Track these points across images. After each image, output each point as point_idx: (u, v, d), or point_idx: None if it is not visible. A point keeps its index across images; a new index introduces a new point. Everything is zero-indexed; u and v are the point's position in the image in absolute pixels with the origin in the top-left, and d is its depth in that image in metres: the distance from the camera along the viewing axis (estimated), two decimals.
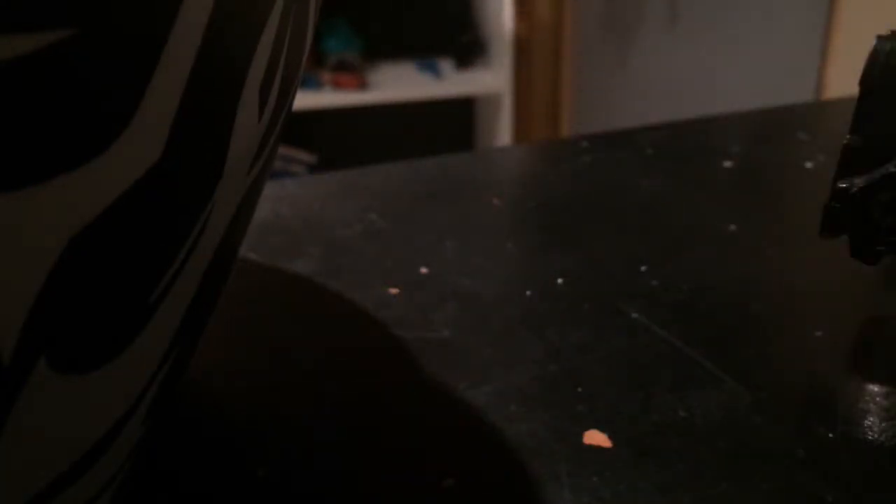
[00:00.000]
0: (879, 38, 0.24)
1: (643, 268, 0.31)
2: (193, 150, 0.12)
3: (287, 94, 0.16)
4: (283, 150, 1.90)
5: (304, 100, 1.71)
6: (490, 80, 1.90)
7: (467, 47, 1.95)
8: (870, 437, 0.21)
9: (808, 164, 0.42)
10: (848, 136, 0.24)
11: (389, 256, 0.32)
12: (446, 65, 1.95)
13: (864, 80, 0.24)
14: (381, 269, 0.31)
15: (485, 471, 0.20)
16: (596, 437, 0.21)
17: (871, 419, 0.22)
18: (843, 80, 1.35)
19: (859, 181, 0.24)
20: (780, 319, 0.27)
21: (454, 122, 2.08)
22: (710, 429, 0.21)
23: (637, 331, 0.26)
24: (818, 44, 1.36)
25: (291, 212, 0.37)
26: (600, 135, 0.48)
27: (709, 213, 0.36)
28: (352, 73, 1.80)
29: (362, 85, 1.80)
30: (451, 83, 1.87)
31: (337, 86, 1.78)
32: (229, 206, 0.15)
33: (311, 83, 1.76)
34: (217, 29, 0.11)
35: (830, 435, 0.21)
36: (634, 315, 0.27)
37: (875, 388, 0.23)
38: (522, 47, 2.01)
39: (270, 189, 0.40)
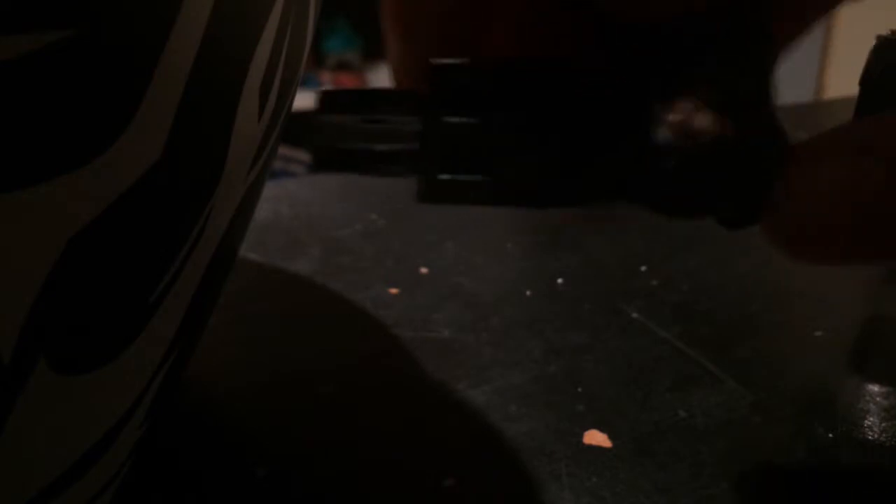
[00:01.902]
0: (879, 38, 0.24)
1: (643, 268, 0.31)
2: (193, 150, 0.12)
3: (287, 94, 0.16)
4: (283, 150, 1.89)
5: (304, 100, 1.71)
6: None
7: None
8: (870, 437, 0.21)
9: None
10: None
11: (389, 256, 0.32)
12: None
13: (864, 80, 0.24)
14: (381, 269, 0.31)
15: (485, 471, 0.20)
16: (596, 437, 0.21)
17: (871, 419, 0.22)
18: (843, 80, 1.35)
19: None
20: (780, 319, 0.27)
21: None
22: (710, 429, 0.21)
23: (637, 331, 0.26)
24: (818, 44, 1.36)
25: (291, 212, 0.37)
26: None
27: None
28: (352, 73, 1.80)
29: (362, 85, 1.80)
30: None
31: (337, 86, 1.79)
32: (229, 206, 0.15)
33: (311, 83, 1.76)
34: (217, 29, 0.11)
35: (830, 435, 0.21)
36: (634, 315, 0.27)
37: (875, 388, 0.23)
38: None
39: (270, 189, 0.40)
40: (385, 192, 0.40)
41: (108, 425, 0.13)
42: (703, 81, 0.13)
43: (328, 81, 1.79)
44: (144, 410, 0.15)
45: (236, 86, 0.13)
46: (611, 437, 0.21)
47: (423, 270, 0.31)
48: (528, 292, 0.29)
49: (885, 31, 0.24)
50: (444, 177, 0.14)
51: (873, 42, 0.24)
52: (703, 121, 0.13)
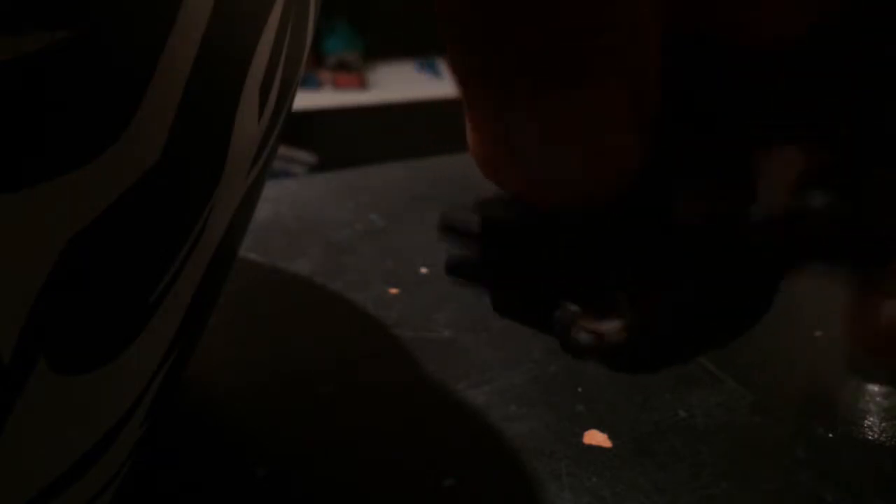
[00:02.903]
0: None
1: None
2: (193, 150, 0.12)
3: (287, 94, 0.16)
4: (283, 150, 1.90)
5: (304, 100, 1.71)
6: None
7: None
8: (870, 437, 0.21)
9: None
10: None
11: (389, 256, 0.32)
12: (446, 64, 1.95)
13: None
14: (381, 269, 0.31)
15: (485, 471, 0.20)
16: (596, 437, 0.21)
17: (871, 419, 0.22)
18: None
19: None
20: (780, 319, 0.27)
21: (454, 122, 2.08)
22: (710, 429, 0.21)
23: None
24: None
25: (291, 212, 0.37)
26: None
27: None
28: (352, 73, 1.80)
29: (362, 85, 1.80)
30: (451, 83, 1.87)
31: (337, 86, 1.78)
32: (229, 206, 0.15)
33: (311, 83, 1.76)
34: (217, 29, 0.11)
35: (830, 435, 0.21)
36: None
37: (875, 388, 0.23)
38: None
39: (270, 189, 0.40)
40: (385, 192, 0.40)
41: (108, 425, 0.13)
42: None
43: (328, 81, 1.79)
44: (144, 410, 0.15)
45: (236, 86, 0.13)
46: (611, 437, 0.21)
47: (423, 270, 0.31)
48: None
49: None
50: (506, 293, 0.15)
51: None
52: (610, 327, 0.13)
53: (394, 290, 0.29)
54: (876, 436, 0.21)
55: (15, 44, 0.08)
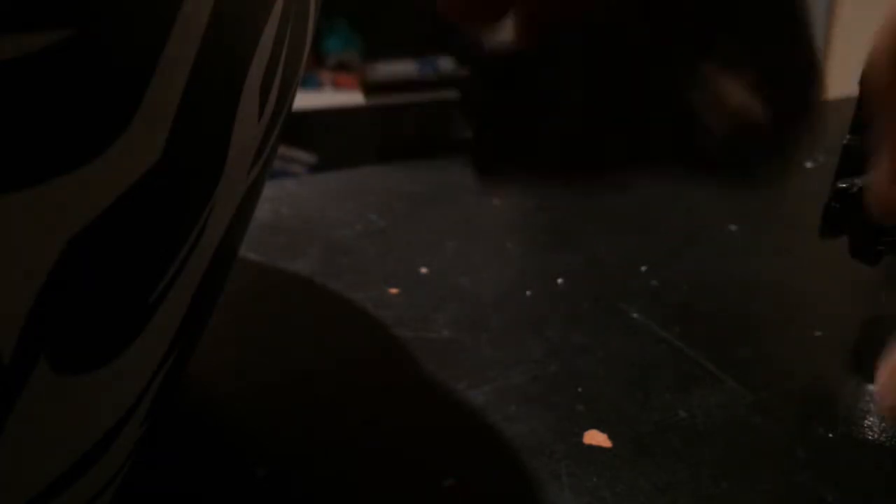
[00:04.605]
0: None
1: (643, 268, 0.31)
2: (193, 150, 0.12)
3: (287, 94, 0.16)
4: (283, 150, 1.90)
5: (304, 100, 1.71)
6: None
7: (467, 47, 1.95)
8: (870, 437, 0.21)
9: (808, 164, 0.42)
10: (848, 136, 0.24)
11: (389, 256, 0.32)
12: (446, 65, 1.95)
13: (864, 80, 0.24)
14: (381, 269, 0.31)
15: (485, 471, 0.20)
16: (596, 437, 0.21)
17: (871, 419, 0.22)
18: (843, 80, 1.34)
19: (859, 181, 0.24)
20: (780, 319, 0.27)
21: (454, 122, 2.08)
22: (710, 429, 0.21)
23: (637, 331, 0.26)
24: (818, 44, 1.36)
25: (291, 212, 0.37)
26: None
27: (709, 213, 0.36)
28: (352, 73, 1.80)
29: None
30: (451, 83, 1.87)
31: (337, 86, 1.78)
32: (229, 206, 0.15)
33: (311, 83, 1.76)
34: (217, 29, 0.11)
35: (830, 435, 0.21)
36: (634, 315, 0.27)
37: (875, 388, 0.23)
38: None
39: (270, 189, 0.40)
40: (385, 192, 0.40)
41: (108, 425, 0.13)
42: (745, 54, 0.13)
43: (328, 81, 1.79)
44: (144, 410, 0.15)
45: (236, 86, 0.13)
46: (611, 437, 0.21)
47: (423, 270, 0.31)
48: (528, 292, 0.29)
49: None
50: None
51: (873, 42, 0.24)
52: (738, 99, 0.13)
53: (394, 290, 0.29)
54: (876, 436, 0.21)
55: (15, 44, 0.08)
